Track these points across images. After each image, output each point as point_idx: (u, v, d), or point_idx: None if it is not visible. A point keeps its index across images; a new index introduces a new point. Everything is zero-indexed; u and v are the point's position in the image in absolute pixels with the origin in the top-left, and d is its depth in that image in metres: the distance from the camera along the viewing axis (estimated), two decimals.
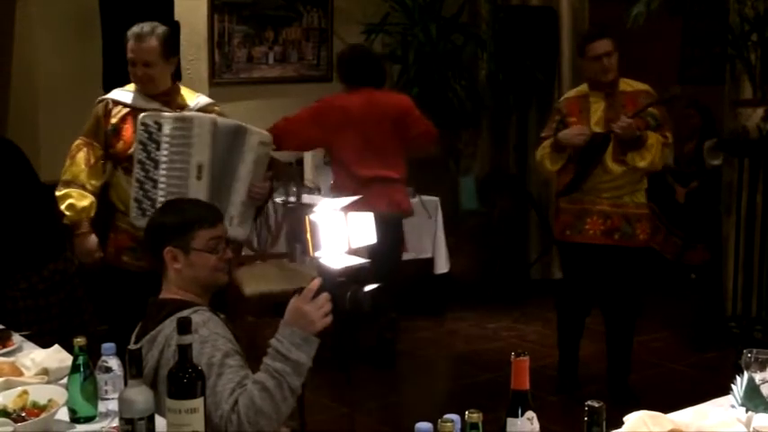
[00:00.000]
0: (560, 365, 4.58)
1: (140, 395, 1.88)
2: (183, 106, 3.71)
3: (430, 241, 5.80)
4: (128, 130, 3.62)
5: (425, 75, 6.27)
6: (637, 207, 4.30)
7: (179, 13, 5.18)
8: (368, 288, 2.24)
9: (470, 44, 6.48)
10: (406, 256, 5.74)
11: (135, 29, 3.70)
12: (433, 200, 5.86)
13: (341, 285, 2.26)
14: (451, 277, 5.92)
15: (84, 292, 3.58)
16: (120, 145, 3.63)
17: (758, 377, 2.16)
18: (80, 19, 5.30)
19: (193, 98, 3.77)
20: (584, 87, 4.37)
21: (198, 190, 3.49)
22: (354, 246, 2.28)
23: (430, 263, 5.82)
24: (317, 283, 2.25)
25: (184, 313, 2.37)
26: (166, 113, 3.59)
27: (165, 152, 3.50)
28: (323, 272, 2.27)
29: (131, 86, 3.74)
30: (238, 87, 6.10)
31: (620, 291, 4.36)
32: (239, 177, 3.59)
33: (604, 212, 4.26)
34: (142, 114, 3.55)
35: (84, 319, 3.52)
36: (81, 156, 3.64)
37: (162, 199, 3.47)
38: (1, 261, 3.32)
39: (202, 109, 3.73)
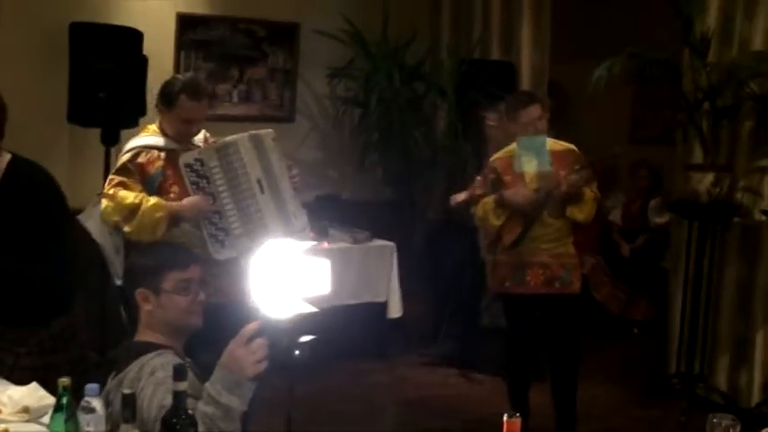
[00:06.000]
0: None
1: None
2: (192, 139, 3.78)
3: (384, 285, 5.85)
4: (174, 176, 3.62)
5: (386, 120, 6.37)
6: (570, 257, 4.50)
7: (147, 48, 5.20)
8: (305, 339, 2.09)
9: (431, 93, 6.60)
10: (360, 300, 5.81)
11: (187, 83, 3.65)
12: (388, 245, 5.93)
13: (282, 333, 2.12)
14: (404, 322, 5.96)
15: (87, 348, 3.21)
16: (175, 189, 3.62)
17: None
18: (47, 52, 5.30)
19: None
20: (512, 148, 4.47)
21: (267, 203, 3.64)
22: (306, 294, 2.13)
23: (383, 307, 5.87)
24: (253, 327, 2.13)
25: (148, 356, 2.40)
26: (200, 148, 3.68)
27: (221, 182, 3.58)
28: (263, 316, 2.15)
29: (150, 131, 3.74)
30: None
31: (562, 338, 4.51)
32: (279, 176, 3.71)
33: (543, 263, 4.43)
34: (181, 158, 3.59)
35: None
36: (121, 192, 3.57)
37: (236, 225, 3.57)
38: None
39: (204, 138, 3.84)
